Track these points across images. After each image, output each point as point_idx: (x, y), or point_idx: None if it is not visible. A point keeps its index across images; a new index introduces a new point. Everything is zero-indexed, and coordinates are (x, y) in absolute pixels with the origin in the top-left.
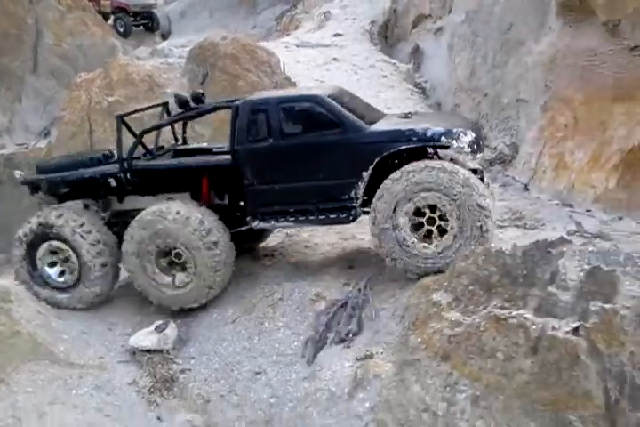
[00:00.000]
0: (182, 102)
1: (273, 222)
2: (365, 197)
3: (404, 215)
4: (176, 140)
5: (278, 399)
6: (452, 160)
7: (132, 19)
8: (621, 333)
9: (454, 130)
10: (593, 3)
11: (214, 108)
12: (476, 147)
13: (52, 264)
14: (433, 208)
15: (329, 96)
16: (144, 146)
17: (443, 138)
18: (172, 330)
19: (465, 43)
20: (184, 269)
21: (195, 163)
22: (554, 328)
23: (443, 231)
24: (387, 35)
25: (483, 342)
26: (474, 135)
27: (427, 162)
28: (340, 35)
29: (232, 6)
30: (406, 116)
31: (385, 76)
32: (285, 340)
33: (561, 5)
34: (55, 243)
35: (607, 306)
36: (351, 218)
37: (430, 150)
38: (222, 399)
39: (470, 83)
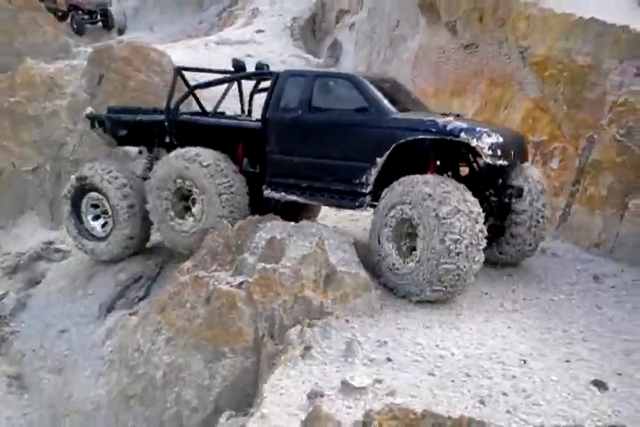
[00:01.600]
0: (239, 67)
1: (283, 194)
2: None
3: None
4: (242, 111)
5: (72, 351)
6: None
7: (86, 17)
8: (279, 286)
9: (477, 128)
10: (437, 5)
11: (262, 74)
12: (500, 152)
13: (96, 217)
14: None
15: (367, 78)
16: (201, 106)
17: (462, 134)
18: (9, 300)
19: (366, 38)
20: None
21: (232, 124)
22: (227, 283)
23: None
24: (315, 29)
25: (183, 297)
26: (501, 140)
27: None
28: (261, 31)
29: (181, 3)
30: (451, 114)
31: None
32: (89, 305)
33: (419, 6)
34: (92, 194)
35: (268, 266)
36: (357, 204)
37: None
38: (33, 353)
39: None
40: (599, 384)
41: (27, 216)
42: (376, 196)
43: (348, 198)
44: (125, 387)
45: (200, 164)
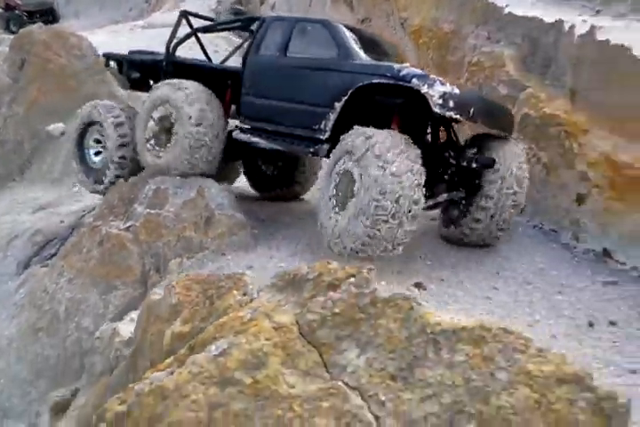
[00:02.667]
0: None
1: (249, 136)
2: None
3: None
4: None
5: None
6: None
7: (25, 17)
8: (163, 228)
9: (431, 76)
10: None
11: (251, 19)
12: (453, 104)
13: (97, 153)
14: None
15: (346, 26)
16: (204, 50)
17: (414, 80)
18: None
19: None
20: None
21: (219, 67)
22: (117, 228)
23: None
24: (243, 7)
25: (82, 244)
26: (457, 92)
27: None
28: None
29: None
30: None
31: (216, 51)
32: (8, 265)
33: None
34: (93, 128)
35: (153, 211)
36: (312, 150)
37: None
38: None
39: None
40: (419, 285)
41: None
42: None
43: (304, 144)
44: (34, 322)
45: (182, 89)
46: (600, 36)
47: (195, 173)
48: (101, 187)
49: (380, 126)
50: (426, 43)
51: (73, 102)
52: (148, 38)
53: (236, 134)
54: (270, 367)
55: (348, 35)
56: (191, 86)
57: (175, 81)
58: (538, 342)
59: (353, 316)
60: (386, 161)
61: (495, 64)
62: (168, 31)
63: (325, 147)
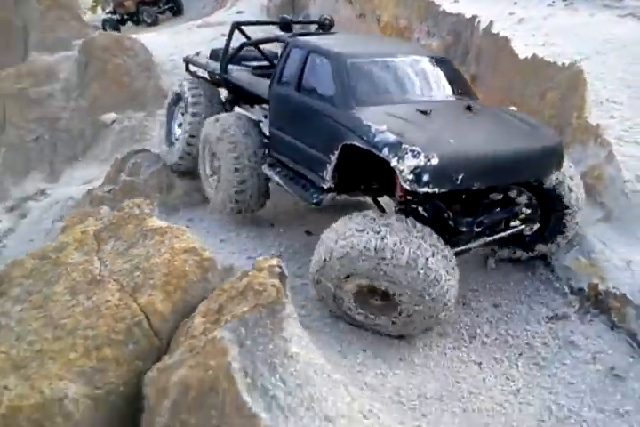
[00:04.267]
0: (285, 24)
1: (272, 173)
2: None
3: None
4: None
5: None
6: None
7: (155, 8)
8: (135, 190)
9: (404, 145)
10: None
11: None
12: (429, 177)
13: (180, 125)
14: None
15: (357, 54)
16: (266, 57)
17: (385, 150)
18: None
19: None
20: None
21: (253, 88)
22: (102, 191)
23: None
24: (294, 6)
25: (82, 204)
26: (436, 162)
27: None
28: (241, 12)
29: None
30: (424, 112)
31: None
32: (47, 222)
33: None
34: (180, 103)
35: (129, 178)
36: (314, 200)
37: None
38: None
39: None
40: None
41: (31, 175)
42: (339, 191)
43: (311, 191)
44: None
45: (215, 127)
46: (494, 30)
47: (246, 211)
48: (173, 161)
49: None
50: (389, 36)
51: (126, 95)
52: (203, 37)
53: (264, 168)
54: (67, 250)
55: (349, 73)
56: (223, 120)
57: (215, 118)
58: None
59: (119, 224)
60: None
61: None
62: (222, 28)
63: (329, 196)
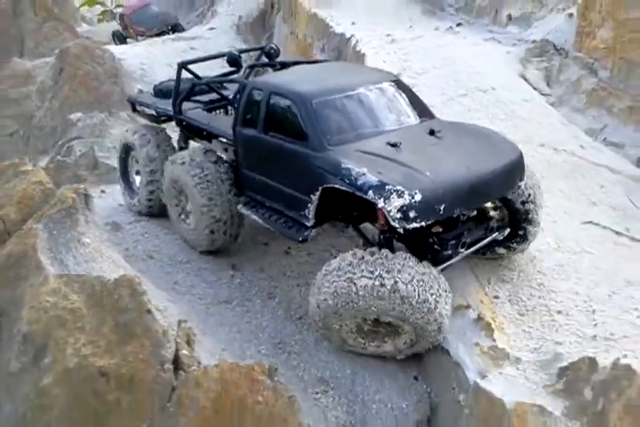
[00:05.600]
0: (233, 60)
1: (249, 212)
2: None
3: None
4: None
5: None
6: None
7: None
8: (65, 169)
9: (388, 186)
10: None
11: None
12: (416, 213)
13: (138, 172)
14: None
15: (320, 93)
16: (216, 91)
17: (370, 192)
18: None
19: None
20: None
21: (212, 129)
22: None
23: None
24: (265, 24)
25: None
26: (419, 197)
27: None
28: (213, 28)
29: (177, 5)
30: (394, 144)
31: None
32: None
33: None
34: (133, 153)
35: (62, 158)
36: (300, 238)
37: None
38: None
39: None
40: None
41: None
42: (321, 223)
43: (295, 228)
44: None
45: (179, 163)
46: (358, 48)
47: (221, 247)
48: (142, 209)
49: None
50: (300, 51)
51: (93, 98)
52: (176, 49)
53: (240, 208)
54: None
55: (316, 113)
56: (184, 154)
57: (173, 157)
58: None
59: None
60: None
61: None
62: (193, 42)
63: (313, 233)
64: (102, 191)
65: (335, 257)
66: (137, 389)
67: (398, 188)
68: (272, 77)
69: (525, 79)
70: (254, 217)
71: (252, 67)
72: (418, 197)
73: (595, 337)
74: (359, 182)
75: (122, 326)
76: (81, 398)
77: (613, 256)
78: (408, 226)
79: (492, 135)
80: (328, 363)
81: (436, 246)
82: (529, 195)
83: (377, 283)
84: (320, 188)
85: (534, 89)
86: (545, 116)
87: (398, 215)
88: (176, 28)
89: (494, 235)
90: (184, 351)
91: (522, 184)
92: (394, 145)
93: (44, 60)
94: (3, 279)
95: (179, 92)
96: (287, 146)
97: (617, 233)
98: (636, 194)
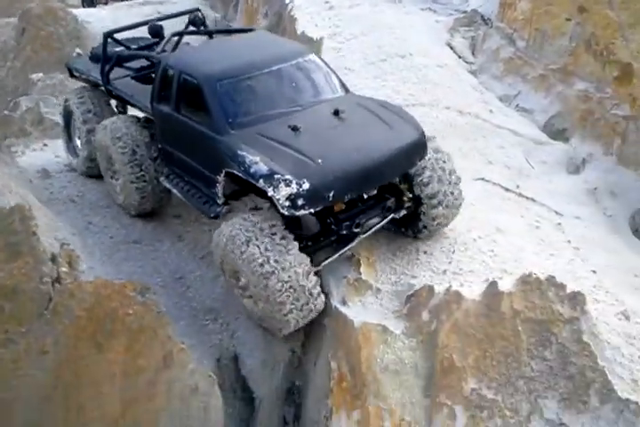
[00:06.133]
0: (155, 32)
1: (169, 185)
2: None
3: None
4: None
5: None
6: None
7: None
8: (12, 124)
9: (276, 176)
10: None
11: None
12: (304, 200)
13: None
14: None
15: (227, 74)
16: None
17: (261, 181)
18: None
19: None
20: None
21: (136, 101)
22: None
23: None
24: None
25: None
26: (307, 186)
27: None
28: None
29: None
30: (295, 128)
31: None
32: None
33: None
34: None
35: (9, 113)
36: (212, 214)
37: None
38: None
39: None
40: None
41: None
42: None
43: (208, 205)
44: None
45: (101, 128)
46: (292, 13)
47: (149, 210)
48: (82, 170)
49: None
50: (247, 16)
51: (55, 59)
52: (139, 13)
53: (162, 180)
54: None
55: (219, 93)
56: (121, 133)
57: (106, 125)
58: None
59: None
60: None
61: None
62: (160, 7)
63: (222, 210)
64: (45, 145)
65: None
66: (18, 298)
67: (287, 177)
68: (183, 55)
69: (451, 47)
70: (174, 191)
71: (176, 35)
72: (306, 186)
73: (445, 271)
74: (252, 170)
75: (11, 246)
76: None
77: (495, 209)
78: (297, 213)
79: (398, 113)
80: (220, 295)
81: (332, 227)
82: (430, 176)
83: (260, 261)
84: (223, 171)
85: (459, 57)
86: (457, 81)
87: (287, 204)
88: None
89: (391, 215)
90: (63, 269)
91: (423, 164)
92: (295, 129)
93: (6, 20)
94: None
95: (105, 62)
96: (196, 126)
97: (506, 189)
98: (535, 155)
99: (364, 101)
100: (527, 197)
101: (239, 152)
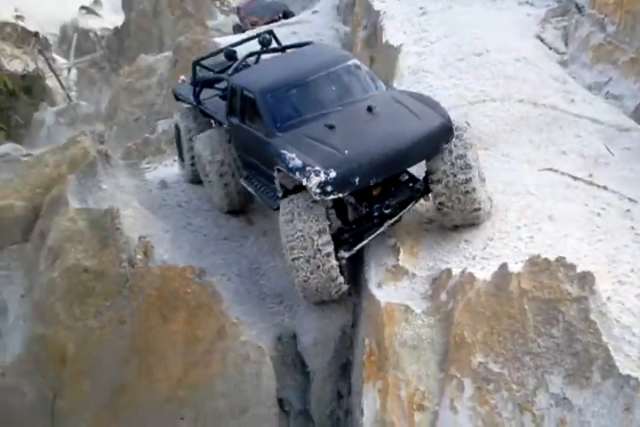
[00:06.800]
0: (229, 57)
1: (246, 184)
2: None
3: None
4: None
5: None
6: None
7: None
8: None
9: (307, 168)
10: None
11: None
12: (333, 187)
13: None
14: None
15: (275, 87)
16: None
17: (297, 174)
18: None
19: None
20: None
21: (219, 118)
22: None
23: None
24: None
25: None
26: (333, 174)
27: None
28: (316, 11)
29: None
30: (331, 126)
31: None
32: None
33: None
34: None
35: None
36: (274, 207)
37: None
38: None
39: None
40: None
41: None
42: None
43: (272, 198)
44: None
45: (196, 140)
46: (382, 23)
47: (238, 208)
48: (189, 179)
49: None
50: (353, 28)
51: None
52: (281, 34)
53: (242, 181)
54: None
55: (268, 102)
56: (215, 147)
57: (203, 138)
58: None
59: None
60: None
61: None
62: (295, 26)
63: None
64: (174, 160)
65: None
66: (105, 280)
67: (317, 168)
68: (244, 74)
69: (541, 39)
70: (250, 189)
71: (250, 55)
72: (332, 175)
73: (474, 257)
74: (290, 166)
75: (102, 240)
76: (73, 285)
77: (555, 198)
78: (327, 198)
79: (429, 104)
80: (289, 283)
81: (367, 209)
82: (452, 163)
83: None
84: (275, 168)
85: (550, 48)
86: (535, 73)
87: (318, 190)
88: (287, 15)
89: (420, 197)
90: (138, 256)
91: (449, 151)
92: (331, 127)
93: (164, 54)
94: (46, 213)
95: (196, 87)
96: (255, 132)
97: (575, 178)
98: (618, 143)
99: (400, 96)
100: (598, 186)
101: (282, 151)
